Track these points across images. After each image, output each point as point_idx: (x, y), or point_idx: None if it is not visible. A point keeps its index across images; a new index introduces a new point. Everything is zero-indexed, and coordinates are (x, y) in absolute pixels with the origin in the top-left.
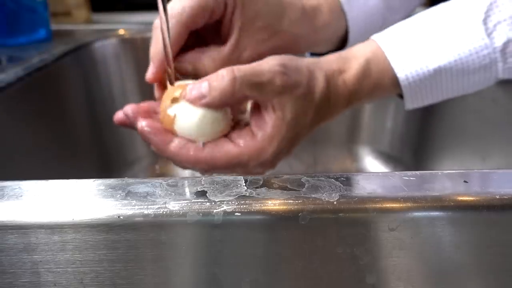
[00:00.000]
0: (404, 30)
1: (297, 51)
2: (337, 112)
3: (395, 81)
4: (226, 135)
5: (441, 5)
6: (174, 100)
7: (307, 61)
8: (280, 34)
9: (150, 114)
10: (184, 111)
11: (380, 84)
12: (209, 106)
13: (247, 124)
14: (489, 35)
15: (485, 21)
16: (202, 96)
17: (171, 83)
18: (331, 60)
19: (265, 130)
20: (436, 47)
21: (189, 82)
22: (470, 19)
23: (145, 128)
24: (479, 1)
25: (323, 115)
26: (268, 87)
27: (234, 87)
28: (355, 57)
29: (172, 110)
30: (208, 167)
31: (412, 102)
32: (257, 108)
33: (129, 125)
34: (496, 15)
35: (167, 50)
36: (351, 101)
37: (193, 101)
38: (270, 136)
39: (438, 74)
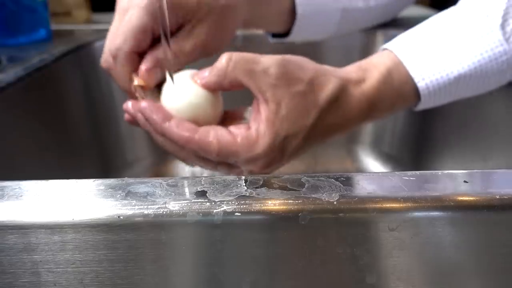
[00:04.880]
0: (419, 38)
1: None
2: (354, 123)
3: (416, 91)
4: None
5: (453, 10)
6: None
7: (322, 66)
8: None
9: None
10: (177, 88)
11: (402, 94)
12: (206, 86)
13: None
14: (507, 39)
15: (502, 26)
16: (203, 77)
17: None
18: (350, 70)
19: (258, 123)
20: (455, 55)
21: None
22: (488, 25)
23: (144, 106)
24: (495, 6)
25: (332, 124)
26: (262, 77)
27: (227, 67)
28: (375, 67)
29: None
30: (199, 149)
31: (424, 105)
32: (256, 103)
33: (134, 120)
34: None
35: (167, 48)
36: (371, 112)
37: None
38: (263, 130)
39: (457, 81)
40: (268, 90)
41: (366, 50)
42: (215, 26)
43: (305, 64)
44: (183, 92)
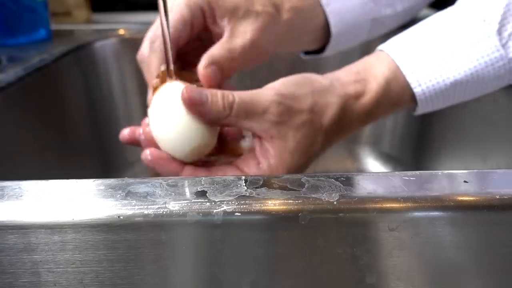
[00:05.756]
0: (416, 41)
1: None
2: (350, 134)
3: (413, 96)
4: (231, 161)
5: (451, 12)
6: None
7: (318, 84)
8: (263, 15)
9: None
10: (171, 118)
11: (400, 102)
12: (202, 116)
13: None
14: (503, 45)
15: (499, 32)
16: (201, 103)
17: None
18: (347, 82)
19: (268, 160)
20: (452, 60)
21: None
22: (484, 30)
23: (152, 160)
24: (492, 10)
25: (333, 139)
26: (263, 117)
27: (230, 113)
28: (374, 77)
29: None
30: None
31: (422, 110)
32: (258, 139)
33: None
34: (510, 25)
35: (168, 53)
36: (369, 121)
37: (189, 103)
38: (275, 166)
39: (454, 86)
40: (272, 128)
41: (366, 50)
42: (258, 28)
43: (301, 91)
44: (178, 127)
